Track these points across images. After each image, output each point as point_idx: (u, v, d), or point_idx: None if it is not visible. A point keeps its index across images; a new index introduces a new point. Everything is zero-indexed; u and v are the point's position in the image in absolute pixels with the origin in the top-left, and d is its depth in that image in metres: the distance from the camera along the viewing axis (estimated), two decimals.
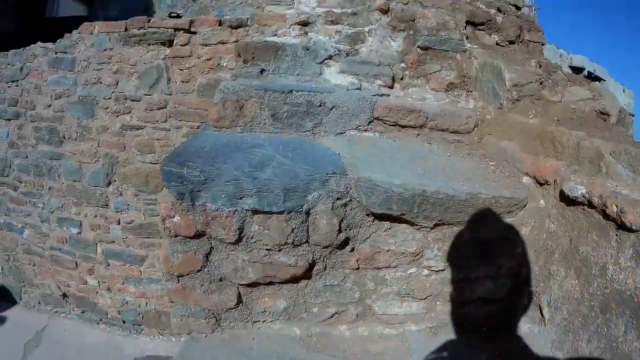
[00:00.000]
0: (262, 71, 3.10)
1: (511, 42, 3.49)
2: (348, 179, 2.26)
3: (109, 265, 4.54)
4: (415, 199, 2.21)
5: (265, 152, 2.42)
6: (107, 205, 4.37)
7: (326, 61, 3.19)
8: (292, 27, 3.44)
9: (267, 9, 4.02)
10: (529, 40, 3.56)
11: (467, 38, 3.36)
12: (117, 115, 4.22)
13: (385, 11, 3.24)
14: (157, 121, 4.13)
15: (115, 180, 4.31)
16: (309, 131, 2.75)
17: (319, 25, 3.37)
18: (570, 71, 11.25)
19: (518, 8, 3.85)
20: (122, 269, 4.49)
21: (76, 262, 4.66)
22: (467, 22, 3.39)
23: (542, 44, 3.62)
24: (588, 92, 3.07)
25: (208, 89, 3.94)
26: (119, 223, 4.37)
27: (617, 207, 1.77)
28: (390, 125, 2.83)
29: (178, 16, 8.64)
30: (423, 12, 3.26)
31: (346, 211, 2.34)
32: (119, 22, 4.20)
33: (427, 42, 3.20)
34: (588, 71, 11.05)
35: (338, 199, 2.30)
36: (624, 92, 13.41)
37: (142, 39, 4.10)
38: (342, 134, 2.79)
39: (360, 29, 3.32)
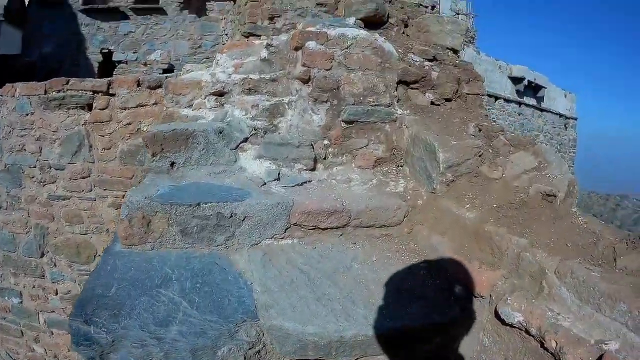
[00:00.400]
0: (172, 164, 2.51)
1: (448, 100, 2.90)
2: (260, 324, 1.82)
3: (52, 333, 4.01)
4: (332, 344, 1.78)
5: (172, 295, 1.92)
6: (43, 276, 3.81)
7: (242, 145, 2.61)
8: (208, 97, 2.83)
9: (186, 67, 3.39)
10: (468, 94, 2.98)
11: (398, 101, 2.78)
12: (44, 185, 3.62)
13: (305, 80, 2.64)
14: (83, 191, 3.55)
15: (48, 251, 3.74)
16: (221, 245, 2.22)
17: (236, 96, 2.77)
18: (510, 82, 10.63)
19: (456, 52, 3.26)
20: (66, 337, 3.96)
21: (21, 331, 4.13)
22: (399, 82, 2.79)
23: (482, 95, 3.03)
24: (532, 158, 2.55)
25: (130, 156, 3.35)
26: (56, 293, 3.82)
27: (556, 344, 1.46)
28: (310, 229, 2.26)
29: (109, 52, 7.93)
30: (348, 76, 2.66)
31: (260, 356, 1.87)
32: (38, 83, 3.57)
33: (353, 115, 2.63)
34: (528, 80, 10.34)
35: (250, 348, 1.84)
36: (565, 96, 12.72)
37: (61, 102, 3.47)
38: (257, 244, 2.24)
39: (280, 99, 2.72)
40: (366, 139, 2.65)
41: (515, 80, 10.03)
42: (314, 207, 2.24)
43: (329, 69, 2.65)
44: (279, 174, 2.50)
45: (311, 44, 2.64)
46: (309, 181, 2.52)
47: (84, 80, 3.46)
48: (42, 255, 3.75)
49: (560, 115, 11.93)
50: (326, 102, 2.63)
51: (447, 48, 3.22)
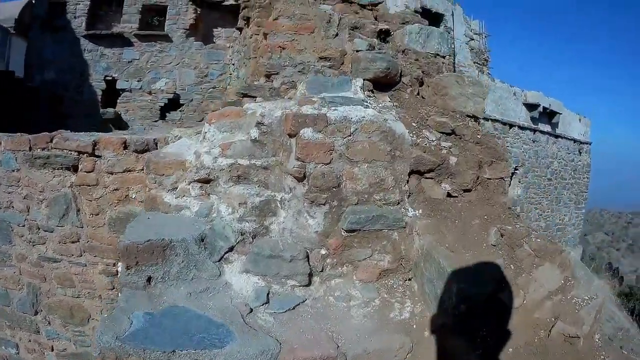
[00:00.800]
0: (149, 279, 2.04)
1: (467, 190, 2.33)
2: None
3: None
4: None
5: None
6: (38, 332, 3.45)
7: (226, 256, 2.13)
8: (192, 184, 2.33)
9: (174, 132, 2.87)
10: (489, 179, 2.40)
11: (409, 196, 2.23)
12: (33, 245, 3.22)
13: (300, 179, 2.10)
14: (73, 255, 3.14)
15: (42, 310, 3.36)
16: None
17: (222, 185, 2.27)
18: (524, 109, 9.70)
19: (477, 119, 2.65)
20: None
21: None
22: (412, 172, 2.24)
23: (505, 178, 2.46)
24: (559, 272, 2.08)
25: (119, 224, 2.92)
26: (52, 349, 3.47)
27: None
28: None
29: (113, 79, 7.28)
30: (351, 171, 2.13)
31: None
32: (23, 137, 3.11)
33: (355, 223, 2.12)
34: (543, 107, 9.39)
35: None
36: (580, 121, 11.67)
37: (46, 162, 3.03)
38: None
39: (271, 194, 2.21)
40: (370, 249, 2.14)
41: (530, 106, 9.13)
42: (305, 355, 1.76)
43: (328, 163, 2.12)
44: (268, 294, 2.02)
45: (307, 133, 2.10)
46: (303, 301, 2.04)
47: (69, 138, 2.97)
48: (36, 313, 3.39)
49: (575, 141, 11.00)
50: (324, 204, 2.11)
51: (468, 115, 2.61)
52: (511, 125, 8.54)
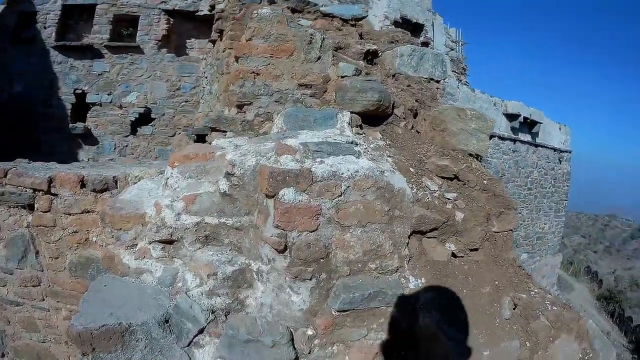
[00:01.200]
0: None
1: (474, 249, 1.85)
2: None
3: None
4: None
5: None
6: None
7: (196, 339, 1.64)
8: (153, 245, 1.80)
9: (134, 172, 2.31)
10: (497, 232, 1.92)
11: (409, 260, 1.74)
12: None
13: (280, 250, 1.58)
14: (35, 299, 2.62)
15: (9, 352, 2.84)
16: None
17: (188, 247, 1.79)
18: (505, 119, 9.09)
19: (479, 158, 2.15)
20: None
21: None
22: (413, 232, 1.74)
23: (514, 230, 1.98)
24: (576, 345, 1.66)
25: (80, 269, 2.43)
26: None
27: None
28: None
29: (83, 93, 6.48)
30: (342, 237, 1.64)
31: None
32: None
33: (348, 303, 1.65)
34: (524, 117, 8.80)
35: None
36: (560, 129, 11.10)
37: (1, 198, 2.44)
38: None
39: (246, 262, 1.73)
40: (365, 328, 1.67)
41: (511, 116, 8.55)
42: None
43: (314, 230, 1.61)
44: None
45: (287, 195, 1.59)
46: None
47: (23, 174, 2.41)
48: (3, 355, 2.89)
49: (555, 150, 10.45)
50: (310, 279, 1.62)
51: (471, 154, 2.11)
52: (491, 136, 8.04)
